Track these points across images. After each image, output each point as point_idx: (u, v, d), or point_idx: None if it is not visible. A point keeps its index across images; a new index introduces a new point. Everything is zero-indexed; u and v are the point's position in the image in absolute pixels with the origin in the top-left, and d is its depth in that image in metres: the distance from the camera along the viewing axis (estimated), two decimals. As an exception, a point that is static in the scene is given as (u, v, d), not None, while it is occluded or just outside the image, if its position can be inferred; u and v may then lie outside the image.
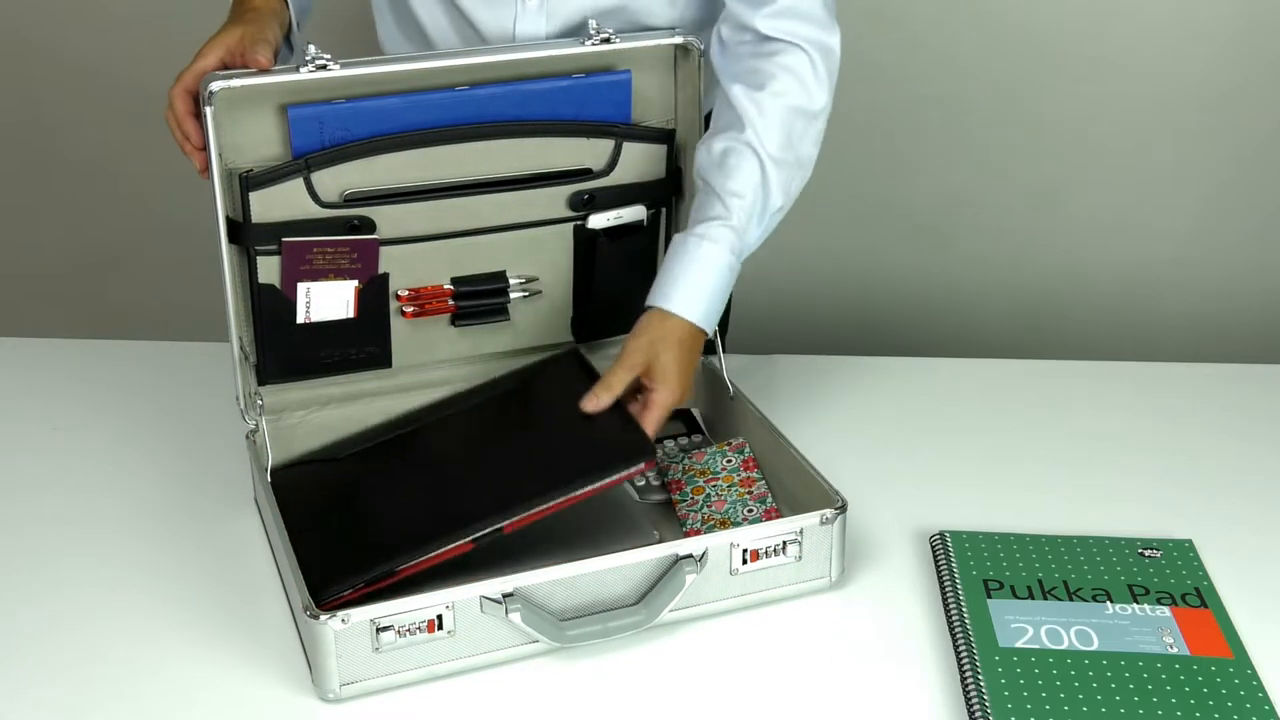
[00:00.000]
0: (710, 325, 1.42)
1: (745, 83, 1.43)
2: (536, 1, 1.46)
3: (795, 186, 1.46)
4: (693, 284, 1.40)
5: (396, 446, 1.45)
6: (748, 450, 1.46)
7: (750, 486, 1.42)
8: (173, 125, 1.34)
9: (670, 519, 1.41)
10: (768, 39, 1.43)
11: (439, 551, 1.26)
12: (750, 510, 1.39)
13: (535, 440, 1.40)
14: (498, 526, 1.27)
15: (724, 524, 1.37)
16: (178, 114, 1.33)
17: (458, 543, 1.26)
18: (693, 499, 1.42)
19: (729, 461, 1.45)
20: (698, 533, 1.37)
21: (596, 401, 1.37)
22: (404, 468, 1.42)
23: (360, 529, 1.33)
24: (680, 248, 1.41)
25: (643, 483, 1.45)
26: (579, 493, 1.29)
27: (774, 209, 1.44)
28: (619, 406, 1.38)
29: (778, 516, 1.38)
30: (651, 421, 1.37)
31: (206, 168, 1.33)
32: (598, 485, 1.29)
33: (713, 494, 1.42)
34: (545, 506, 1.28)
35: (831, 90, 1.45)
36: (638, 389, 1.40)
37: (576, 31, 1.47)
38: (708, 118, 1.52)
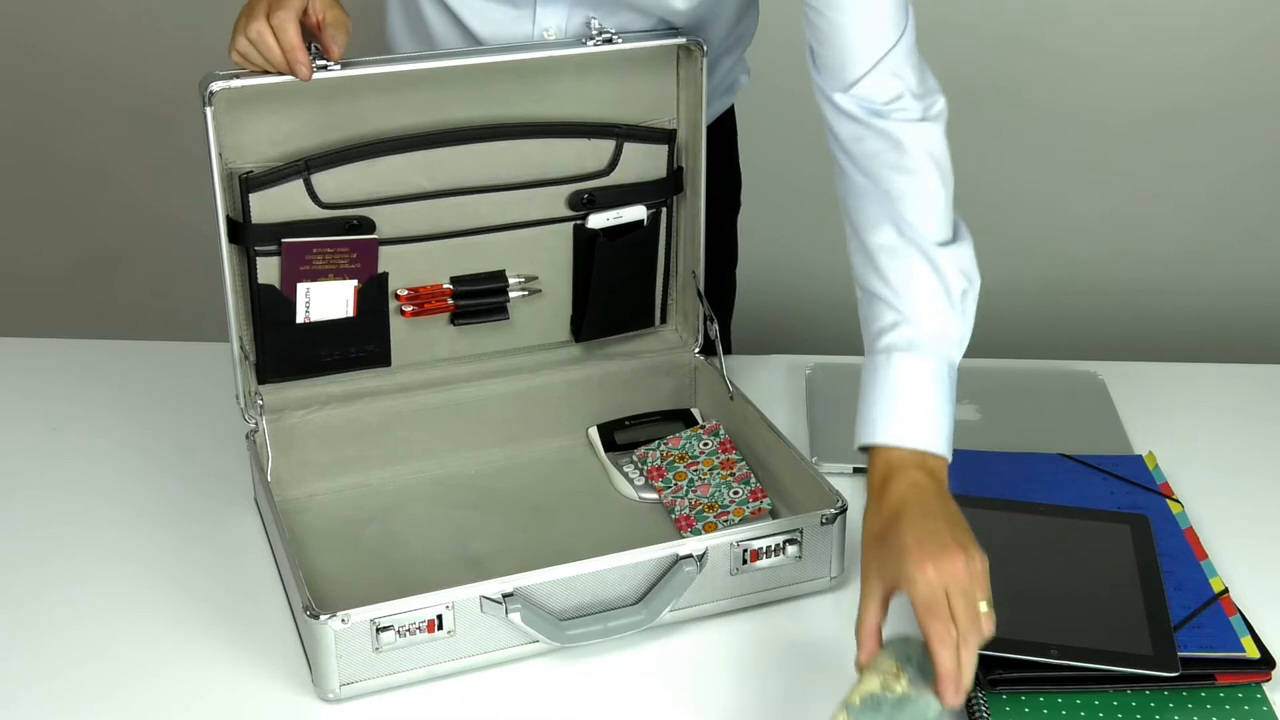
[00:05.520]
0: (939, 445, 1.17)
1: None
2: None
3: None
4: (894, 404, 1.17)
5: None
6: (723, 432, 1.46)
7: (732, 468, 1.42)
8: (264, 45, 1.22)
9: (669, 517, 1.41)
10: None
11: None
12: (736, 493, 1.39)
13: None
14: None
15: (711, 508, 1.38)
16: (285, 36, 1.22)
17: None
18: (676, 485, 1.42)
19: (706, 445, 1.45)
20: (687, 519, 1.37)
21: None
22: None
23: None
24: (869, 374, 1.21)
25: (641, 481, 1.45)
26: None
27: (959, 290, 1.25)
28: None
29: (764, 495, 1.38)
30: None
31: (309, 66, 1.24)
32: None
33: (695, 479, 1.42)
34: None
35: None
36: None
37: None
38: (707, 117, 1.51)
